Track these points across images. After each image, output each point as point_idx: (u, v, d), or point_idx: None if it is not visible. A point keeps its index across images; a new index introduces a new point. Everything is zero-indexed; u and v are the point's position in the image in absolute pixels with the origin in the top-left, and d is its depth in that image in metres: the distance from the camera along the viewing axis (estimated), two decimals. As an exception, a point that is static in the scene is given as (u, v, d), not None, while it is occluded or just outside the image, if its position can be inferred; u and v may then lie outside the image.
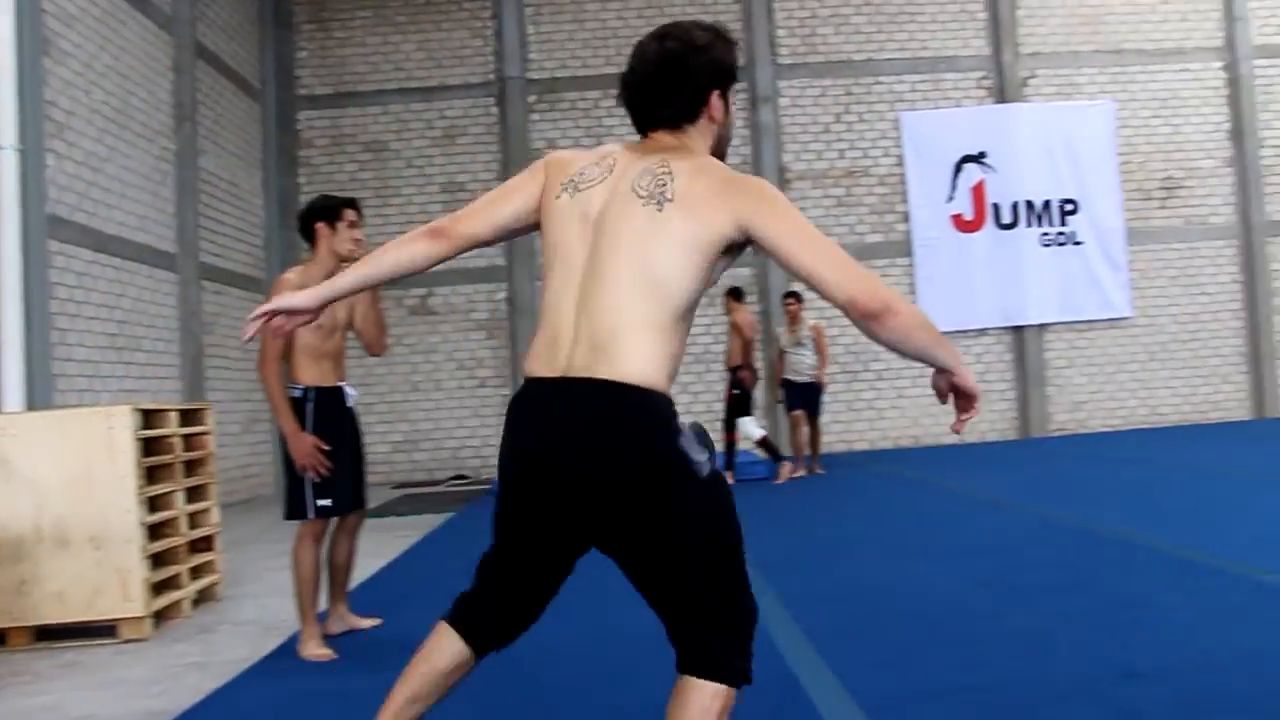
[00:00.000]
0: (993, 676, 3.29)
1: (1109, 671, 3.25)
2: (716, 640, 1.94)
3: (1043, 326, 14.04)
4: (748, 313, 10.28)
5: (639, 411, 1.91)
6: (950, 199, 13.98)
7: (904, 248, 13.87)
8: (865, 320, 1.87)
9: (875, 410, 13.79)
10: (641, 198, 1.98)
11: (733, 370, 10.00)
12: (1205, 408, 14.37)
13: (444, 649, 2.11)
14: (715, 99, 2.11)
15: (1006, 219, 14.02)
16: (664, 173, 2.00)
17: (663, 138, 2.10)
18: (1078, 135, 14.14)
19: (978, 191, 14.00)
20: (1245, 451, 10.11)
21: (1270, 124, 14.60)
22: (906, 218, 13.93)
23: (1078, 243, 14.12)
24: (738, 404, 9.97)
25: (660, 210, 1.96)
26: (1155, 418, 14.24)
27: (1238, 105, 14.46)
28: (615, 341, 1.92)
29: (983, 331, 13.96)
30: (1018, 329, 13.99)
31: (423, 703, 2.09)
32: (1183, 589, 4.34)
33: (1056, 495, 7.72)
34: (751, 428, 9.97)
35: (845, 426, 13.67)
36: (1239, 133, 14.45)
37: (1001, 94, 14.14)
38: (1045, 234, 14.10)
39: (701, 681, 1.93)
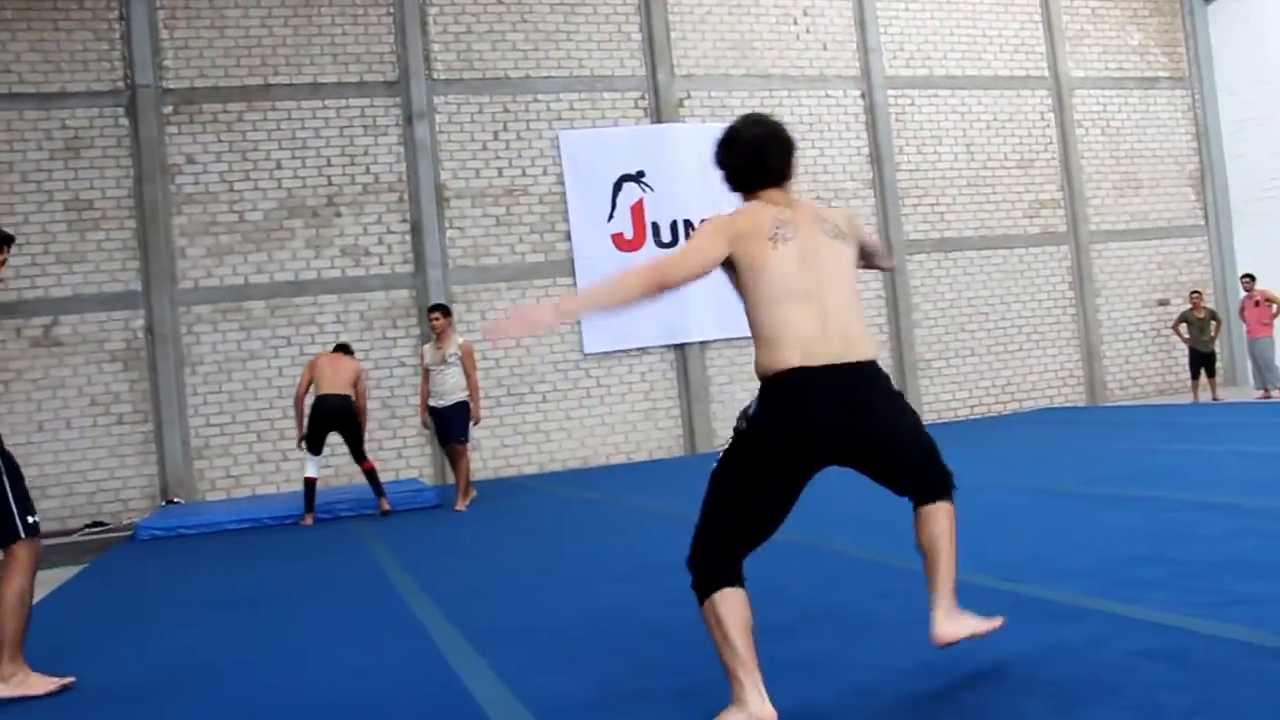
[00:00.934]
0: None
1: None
2: (941, 472, 3.36)
3: (704, 344, 14.94)
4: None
5: (886, 376, 3.21)
6: (610, 218, 14.67)
7: (566, 267, 14.42)
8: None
9: (542, 433, 14.22)
10: (833, 238, 3.18)
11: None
12: (857, 417, 15.72)
13: (740, 604, 2.95)
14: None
15: (666, 238, 14.85)
16: (823, 218, 3.22)
17: (777, 195, 3.24)
18: (732, 156, 15.15)
19: (637, 210, 14.77)
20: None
21: (904, 149, 16.23)
22: (568, 237, 14.50)
23: (734, 261, 15.11)
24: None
25: (845, 245, 3.21)
26: (812, 429, 15.44)
27: (875, 131, 15.99)
28: (856, 335, 3.11)
29: (645, 350, 14.70)
30: (680, 346, 14.83)
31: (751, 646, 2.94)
32: (879, 592, 4.64)
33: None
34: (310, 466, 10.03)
35: (513, 450, 14.03)
36: (877, 157, 15.97)
37: (658, 114, 14.99)
38: (704, 253, 14.99)
39: (942, 502, 3.30)
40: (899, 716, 3.08)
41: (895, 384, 14.80)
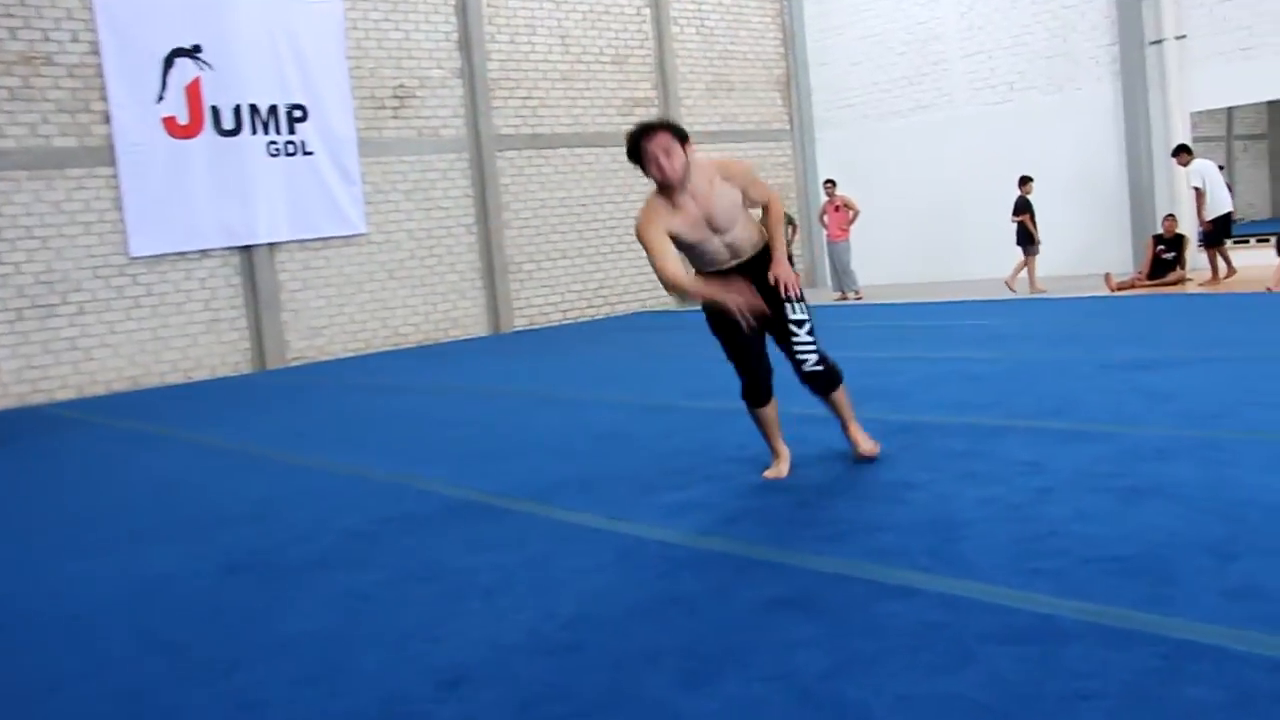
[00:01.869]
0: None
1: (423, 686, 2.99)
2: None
3: (274, 246, 13.97)
4: None
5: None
6: (161, 99, 13.22)
7: (105, 155, 12.86)
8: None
9: (81, 350, 12.75)
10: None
11: None
12: (445, 325, 15.42)
13: (771, 409, 5.00)
14: None
15: (228, 124, 13.63)
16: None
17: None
18: (304, 35, 14.12)
19: (193, 91, 13.41)
20: (490, 368, 10.93)
21: (496, 37, 15.79)
22: (107, 119, 12.90)
23: (308, 153, 14.20)
24: None
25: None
26: (397, 339, 14.97)
27: (465, 15, 15.40)
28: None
29: (205, 253, 13.54)
30: (246, 249, 13.77)
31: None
32: (509, 546, 4.32)
33: (317, 438, 7.77)
34: None
35: (42, 372, 12.47)
36: (467, 43, 15.43)
37: (216, -20, 13.55)
38: (273, 143, 13.96)
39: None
40: None
41: (484, 288, 14.51)
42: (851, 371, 5.15)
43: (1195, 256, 14.02)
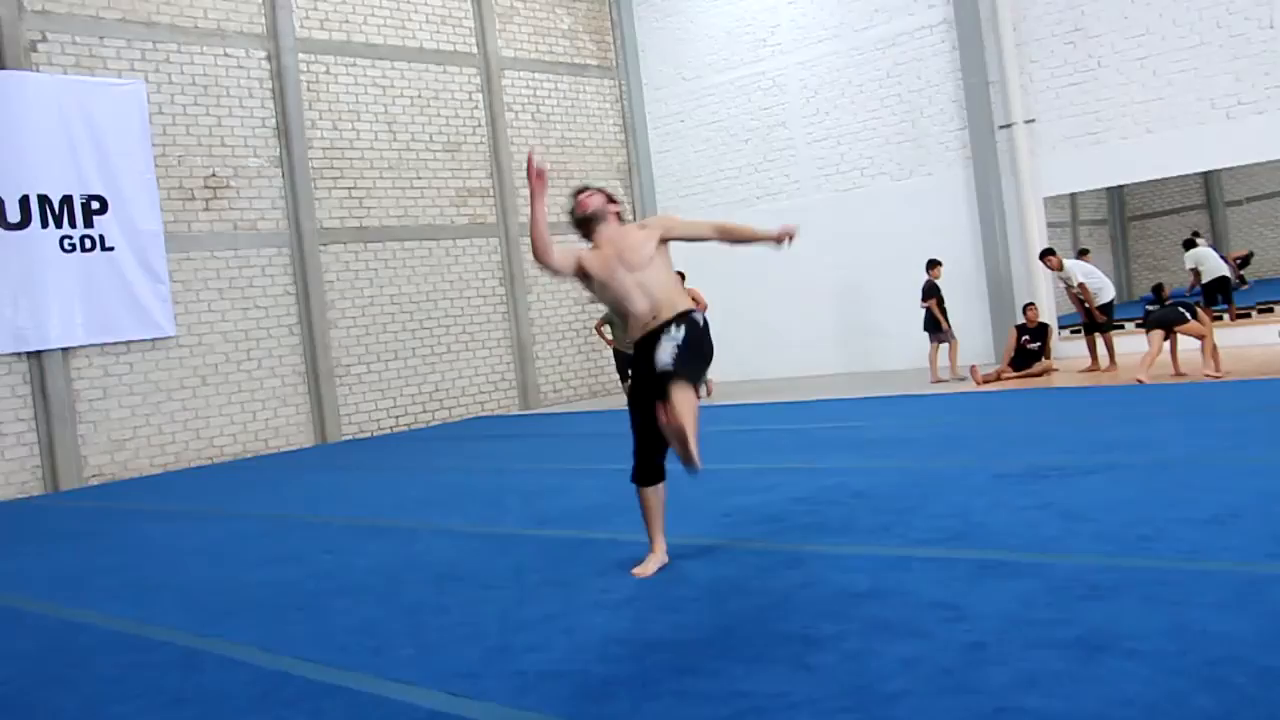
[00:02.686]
0: None
1: None
2: None
3: (68, 350, 12.98)
4: None
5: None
6: (-64, 190, 12.18)
7: None
8: None
9: None
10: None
11: None
12: (266, 435, 14.56)
13: (661, 492, 5.34)
14: None
15: (14, 217, 12.70)
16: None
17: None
18: (103, 119, 13.35)
19: (-30, 181, 12.42)
20: (315, 487, 10.15)
21: (317, 123, 15.26)
22: None
23: (108, 248, 13.33)
24: None
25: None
26: (212, 451, 14.04)
27: (283, 100, 14.83)
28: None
29: (-14, 360, 12.44)
30: (35, 355, 12.74)
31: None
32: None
33: (101, 582, 6.83)
34: None
35: None
36: (285, 130, 14.85)
37: (0, 58, 12.70)
38: (67, 237, 13.08)
39: None
40: None
41: (308, 394, 13.71)
42: (718, 488, 4.72)
43: (1059, 345, 14.25)
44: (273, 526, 8.38)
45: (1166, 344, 11.76)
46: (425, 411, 16.45)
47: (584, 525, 6.68)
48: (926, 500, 6.41)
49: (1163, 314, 11.69)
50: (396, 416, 16.11)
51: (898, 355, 16.43)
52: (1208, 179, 20.21)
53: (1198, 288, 15.31)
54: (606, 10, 19.50)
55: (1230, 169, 15.71)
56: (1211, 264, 15.03)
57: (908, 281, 15.54)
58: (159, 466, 13.67)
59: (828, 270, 17.12)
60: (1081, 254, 14.97)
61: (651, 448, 5.17)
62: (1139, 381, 11.36)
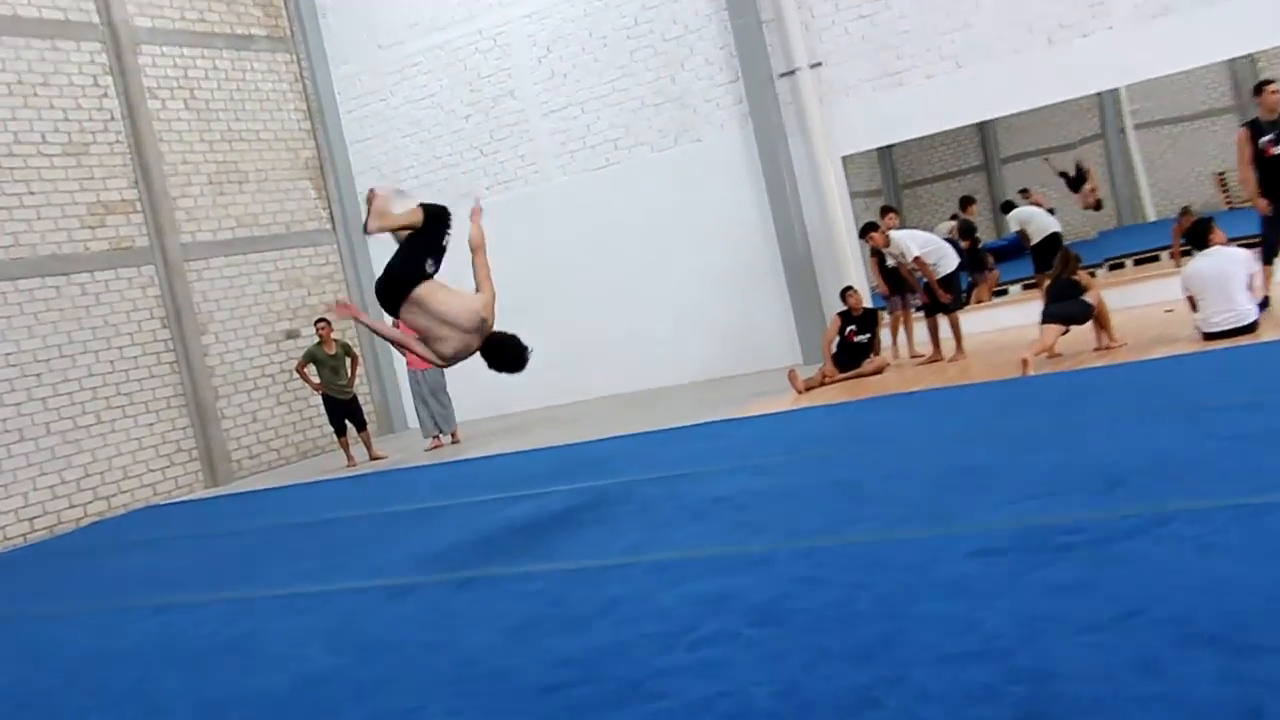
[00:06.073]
0: None
1: None
2: None
3: None
4: None
5: None
6: None
7: None
8: None
9: None
10: None
11: None
12: None
13: None
14: None
15: None
16: None
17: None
18: None
19: None
20: None
21: None
22: None
23: None
24: None
25: None
26: None
27: None
28: None
29: None
30: None
31: None
32: None
33: None
34: None
35: None
36: None
37: None
38: None
39: None
40: None
41: None
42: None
43: (887, 334, 11.66)
44: None
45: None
46: (73, 507, 12.33)
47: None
48: (816, 601, 3.26)
49: (1069, 309, 9.18)
50: (29, 520, 11.94)
51: (673, 369, 13.57)
52: (984, 134, 18.44)
53: (1028, 251, 13.23)
54: (271, -33, 15.73)
55: (1005, 120, 13.54)
56: (1040, 222, 12.93)
57: (681, 273, 12.74)
58: None
59: (583, 271, 14.03)
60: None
61: None
62: (1025, 369, 8.77)
